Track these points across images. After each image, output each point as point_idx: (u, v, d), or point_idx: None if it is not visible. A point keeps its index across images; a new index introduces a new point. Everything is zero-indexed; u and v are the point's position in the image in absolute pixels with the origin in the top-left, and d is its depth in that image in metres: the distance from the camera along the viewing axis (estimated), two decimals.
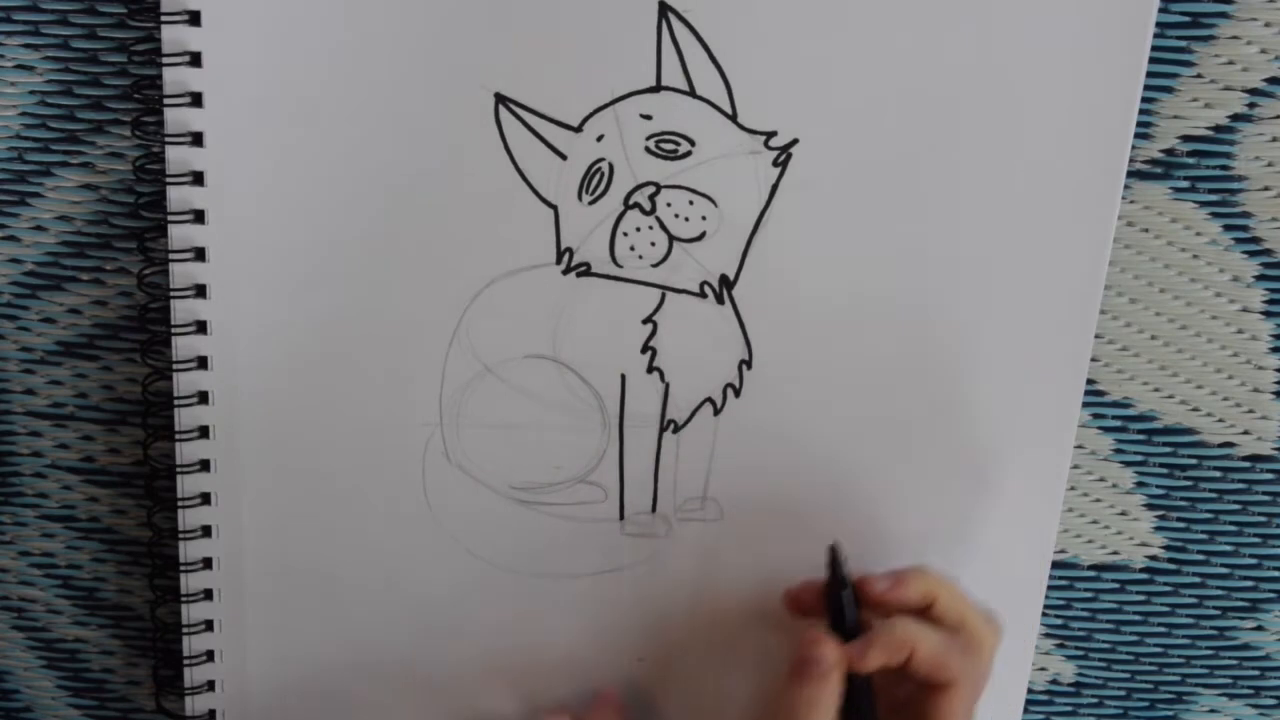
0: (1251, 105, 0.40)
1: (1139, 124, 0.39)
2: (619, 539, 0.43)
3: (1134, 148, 0.40)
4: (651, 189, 0.39)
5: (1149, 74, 0.38)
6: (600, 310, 0.40)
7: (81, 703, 0.48)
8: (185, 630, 0.43)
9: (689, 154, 0.39)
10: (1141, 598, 0.45)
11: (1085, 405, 0.42)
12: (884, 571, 0.38)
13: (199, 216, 0.39)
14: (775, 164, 0.39)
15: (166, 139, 0.39)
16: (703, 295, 0.40)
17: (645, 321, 0.41)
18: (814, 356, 0.41)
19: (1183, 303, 0.42)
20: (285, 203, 0.39)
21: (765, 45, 0.38)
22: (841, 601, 0.38)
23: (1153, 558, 0.45)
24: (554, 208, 0.39)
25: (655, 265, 0.40)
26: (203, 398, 0.41)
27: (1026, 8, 0.37)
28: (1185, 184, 0.41)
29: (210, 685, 0.44)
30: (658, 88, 0.38)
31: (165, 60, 0.38)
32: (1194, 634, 0.46)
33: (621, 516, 0.42)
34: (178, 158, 0.39)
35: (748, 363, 0.41)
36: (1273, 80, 0.40)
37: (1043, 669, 0.46)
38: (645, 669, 0.44)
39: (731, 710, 0.44)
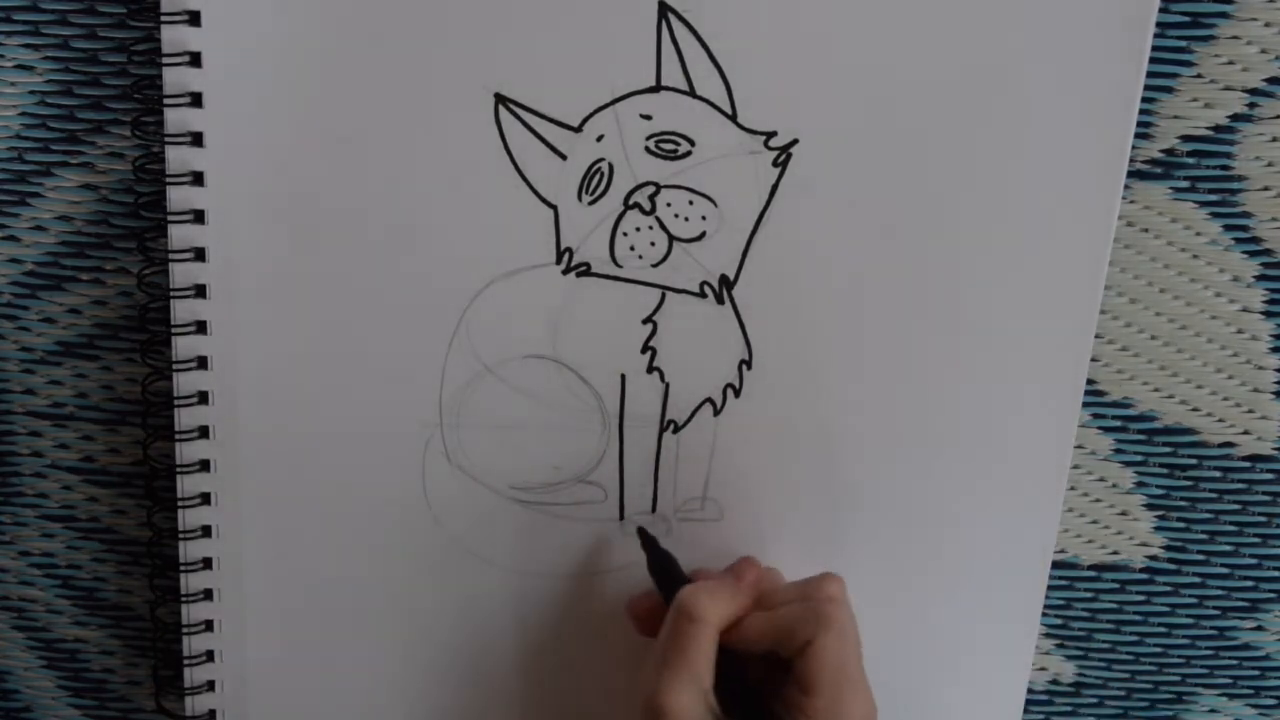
0: (1251, 105, 0.40)
1: (1139, 124, 0.39)
2: (619, 539, 0.43)
3: (1134, 148, 0.40)
4: (651, 189, 0.39)
5: (1149, 74, 0.38)
6: (600, 310, 0.40)
7: (81, 703, 0.48)
8: (185, 630, 0.43)
9: (689, 154, 0.39)
10: (1141, 598, 0.45)
11: (1085, 405, 0.42)
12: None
13: (199, 216, 0.39)
14: (775, 164, 0.39)
15: (166, 139, 0.39)
16: (703, 295, 0.40)
17: (645, 321, 0.41)
18: (814, 357, 0.41)
19: (1183, 303, 0.42)
20: (285, 203, 0.39)
21: (765, 45, 0.38)
22: (670, 576, 0.39)
23: (1153, 558, 0.45)
24: (554, 208, 0.39)
25: (655, 265, 0.40)
26: (203, 398, 0.41)
27: (1027, 8, 0.37)
28: (1185, 184, 0.41)
29: (210, 685, 0.44)
30: (658, 88, 0.38)
31: (165, 60, 0.38)
32: (1194, 634, 0.46)
33: (621, 516, 0.42)
34: (178, 158, 0.39)
35: (748, 363, 0.41)
36: (1273, 80, 0.40)
37: (1043, 669, 0.46)
38: None
39: None
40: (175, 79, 0.38)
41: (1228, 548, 0.45)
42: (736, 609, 0.38)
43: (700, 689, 0.36)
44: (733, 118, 0.39)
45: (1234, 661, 0.46)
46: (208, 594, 0.43)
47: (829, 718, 0.36)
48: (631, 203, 0.39)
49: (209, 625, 0.43)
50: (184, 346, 0.41)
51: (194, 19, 0.38)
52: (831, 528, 0.42)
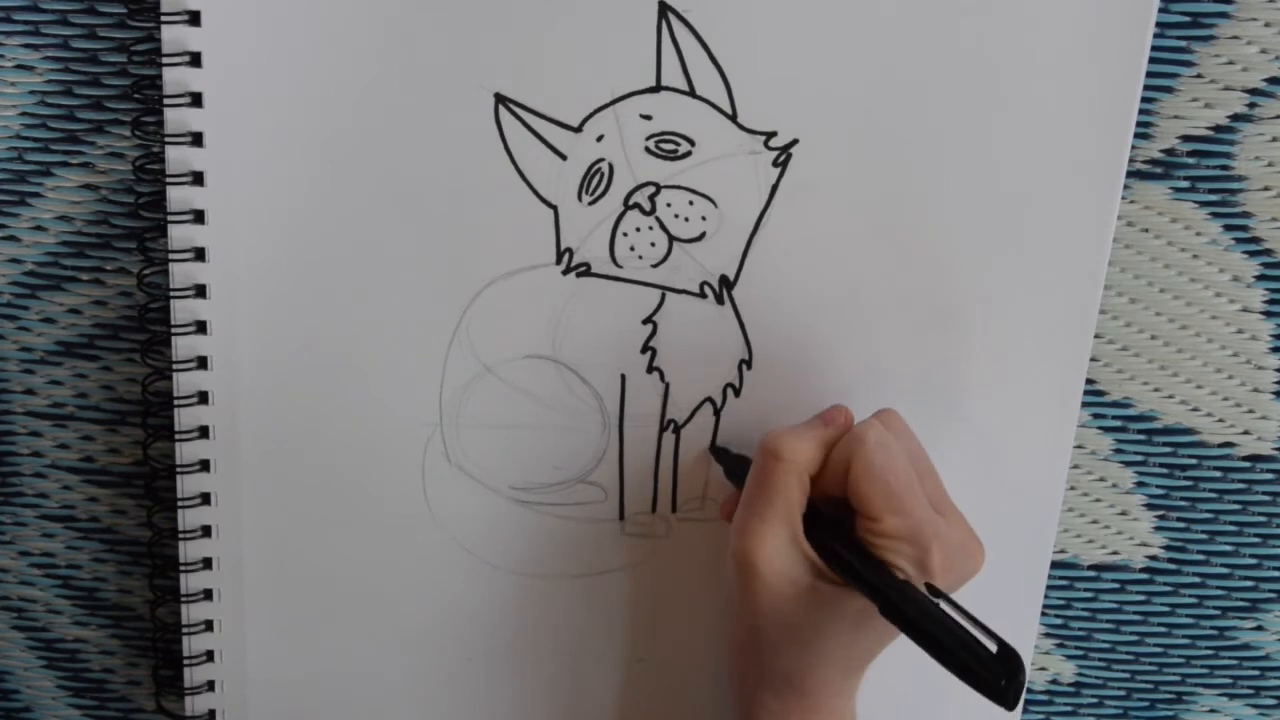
0: (1251, 105, 0.40)
1: (1139, 124, 0.39)
2: (619, 539, 0.43)
3: (1134, 148, 0.40)
4: (651, 189, 0.39)
5: (1149, 74, 0.38)
6: (600, 310, 0.40)
7: (81, 703, 0.48)
8: (185, 630, 0.43)
9: (689, 154, 0.39)
10: (1141, 598, 0.45)
11: (1085, 405, 0.42)
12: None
13: (199, 216, 0.40)
14: (775, 164, 0.39)
15: (166, 139, 0.39)
16: (703, 295, 0.40)
17: (645, 322, 0.41)
18: (814, 357, 0.41)
19: (1183, 303, 0.42)
20: (285, 203, 0.39)
21: (765, 45, 0.38)
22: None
23: (1153, 558, 0.45)
24: (554, 208, 0.39)
25: (655, 265, 0.40)
26: (203, 398, 0.41)
27: (1026, 8, 0.37)
28: (1185, 184, 0.41)
29: (210, 685, 0.44)
30: (658, 88, 0.38)
31: (165, 60, 0.38)
32: (1194, 634, 0.46)
33: (621, 516, 0.42)
34: (178, 158, 0.39)
35: (748, 363, 0.41)
36: (1273, 80, 0.40)
37: (1043, 669, 0.46)
38: (645, 669, 0.44)
39: (730, 710, 0.44)
40: (175, 79, 0.38)
41: (1228, 548, 0.45)
42: (822, 450, 0.35)
43: (790, 531, 0.34)
44: (733, 118, 0.39)
45: (1234, 661, 0.46)
46: (208, 594, 0.43)
47: (909, 535, 0.34)
48: (631, 203, 0.39)
49: (209, 625, 0.43)
50: (184, 346, 0.41)
51: (194, 19, 0.38)
52: None
